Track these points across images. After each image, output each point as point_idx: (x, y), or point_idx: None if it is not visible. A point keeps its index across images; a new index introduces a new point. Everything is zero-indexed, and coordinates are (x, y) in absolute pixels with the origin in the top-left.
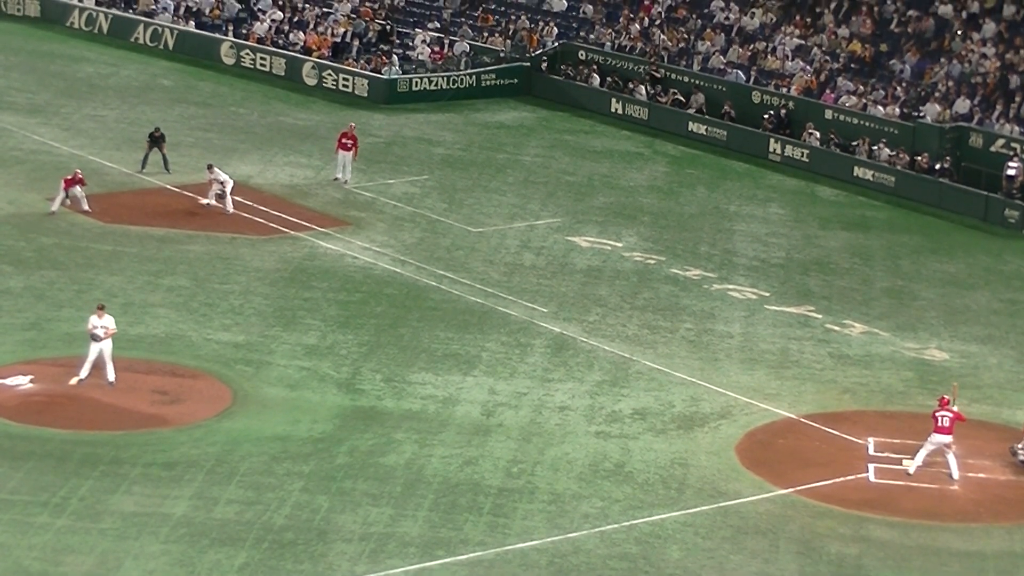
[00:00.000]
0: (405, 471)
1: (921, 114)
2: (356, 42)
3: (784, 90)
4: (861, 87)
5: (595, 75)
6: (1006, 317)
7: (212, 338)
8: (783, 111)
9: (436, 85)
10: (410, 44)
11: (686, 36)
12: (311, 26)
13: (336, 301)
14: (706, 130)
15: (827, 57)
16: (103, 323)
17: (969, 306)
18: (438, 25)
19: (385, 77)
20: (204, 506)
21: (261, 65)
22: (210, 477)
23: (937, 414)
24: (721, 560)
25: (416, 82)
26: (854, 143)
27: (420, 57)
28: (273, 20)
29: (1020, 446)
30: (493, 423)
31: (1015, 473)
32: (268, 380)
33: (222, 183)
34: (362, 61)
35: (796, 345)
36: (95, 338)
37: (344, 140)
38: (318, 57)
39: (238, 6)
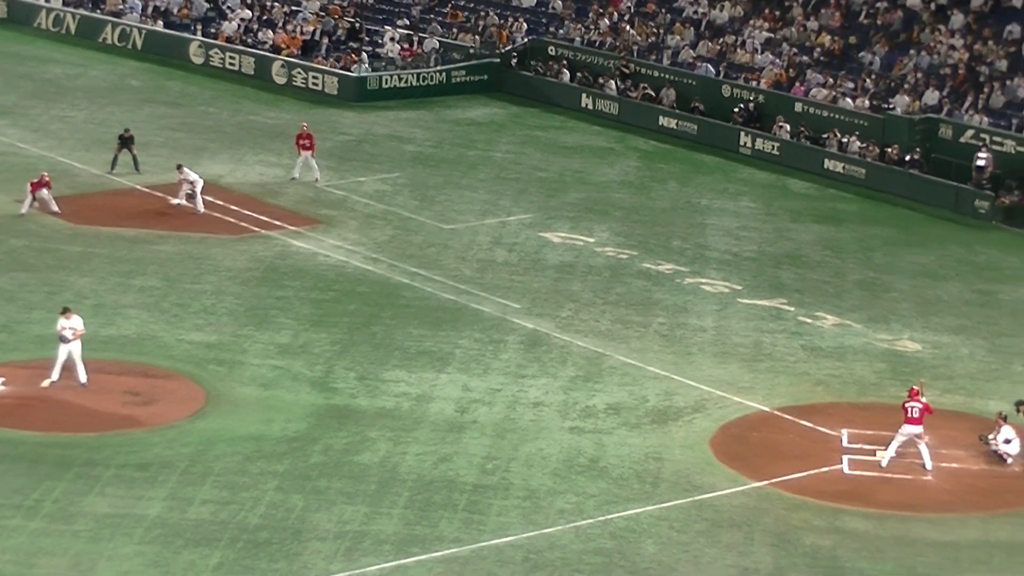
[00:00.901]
0: (379, 469)
1: (891, 106)
2: (325, 40)
3: (754, 83)
4: (831, 80)
5: (565, 71)
6: (978, 308)
7: (184, 338)
8: (753, 105)
9: (406, 82)
10: (379, 41)
11: (656, 30)
12: (280, 25)
13: (308, 300)
14: (677, 124)
15: (796, 50)
16: (71, 324)
17: (941, 297)
18: (407, 22)
19: (355, 75)
20: (178, 507)
21: (230, 64)
22: (184, 478)
23: (907, 405)
24: (696, 554)
25: (386, 79)
26: (824, 136)
27: (390, 54)
28: (242, 19)
29: (991, 435)
30: (467, 420)
31: (988, 463)
32: (241, 380)
33: (192, 183)
34: (332, 59)
35: (769, 338)
36: (64, 339)
37: (302, 141)
38: (287, 56)
39: (206, 5)
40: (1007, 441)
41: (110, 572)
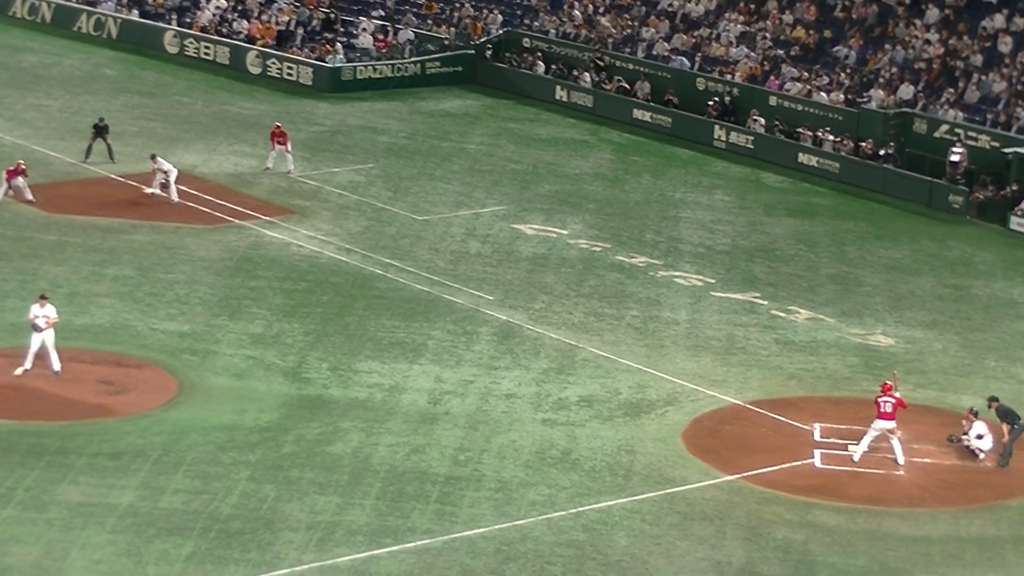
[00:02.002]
0: (352, 460)
1: (865, 100)
2: (300, 30)
3: (729, 77)
4: (805, 73)
5: (540, 63)
6: (951, 302)
7: (157, 328)
8: (728, 98)
9: (381, 73)
10: (354, 32)
11: (630, 23)
12: (255, 14)
13: (282, 290)
14: (651, 117)
15: (771, 44)
16: (44, 313)
17: (914, 292)
18: (382, 13)
19: (329, 65)
20: (151, 496)
21: (205, 54)
22: (156, 467)
23: (880, 400)
24: (668, 546)
25: (361, 70)
26: (798, 129)
27: (364, 45)
28: (217, 8)
29: (964, 429)
30: (440, 411)
31: (960, 458)
32: (214, 369)
33: (166, 172)
34: (306, 49)
35: (742, 331)
36: (36, 328)
37: (276, 137)
38: (262, 46)
39: None
40: (979, 437)
41: (82, 561)
